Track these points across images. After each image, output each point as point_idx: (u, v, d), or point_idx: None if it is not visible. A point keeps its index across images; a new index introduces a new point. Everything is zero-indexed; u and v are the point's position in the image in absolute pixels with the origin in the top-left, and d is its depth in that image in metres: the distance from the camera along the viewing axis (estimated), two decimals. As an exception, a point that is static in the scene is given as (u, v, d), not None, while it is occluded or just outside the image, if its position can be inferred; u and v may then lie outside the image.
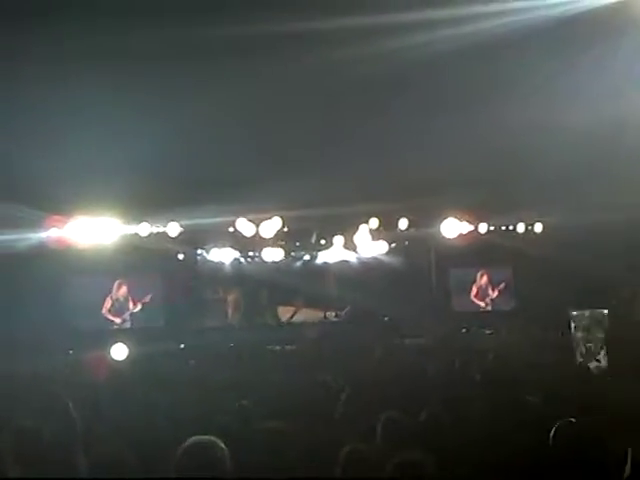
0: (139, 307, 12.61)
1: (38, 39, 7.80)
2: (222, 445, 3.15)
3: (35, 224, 11.58)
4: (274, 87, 8.95)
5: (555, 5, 7.75)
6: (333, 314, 13.56)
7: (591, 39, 8.26)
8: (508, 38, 7.95)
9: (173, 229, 12.93)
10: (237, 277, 14.17)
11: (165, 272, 13.38)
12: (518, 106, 8.99)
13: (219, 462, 3.09)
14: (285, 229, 13.57)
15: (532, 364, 7.10)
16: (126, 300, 12.58)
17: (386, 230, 13.94)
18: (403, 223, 13.83)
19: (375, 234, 13.90)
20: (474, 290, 13.42)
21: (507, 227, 14.20)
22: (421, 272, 14.33)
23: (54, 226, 12.06)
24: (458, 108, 9.48)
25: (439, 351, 9.29)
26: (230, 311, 13.93)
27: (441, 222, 13.55)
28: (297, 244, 14.52)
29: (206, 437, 3.22)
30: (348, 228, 13.82)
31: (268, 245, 13.77)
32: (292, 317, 14.23)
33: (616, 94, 8.52)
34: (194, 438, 3.21)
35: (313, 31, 7.78)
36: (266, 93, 9.06)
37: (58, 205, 11.69)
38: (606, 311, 9.51)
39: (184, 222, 12.80)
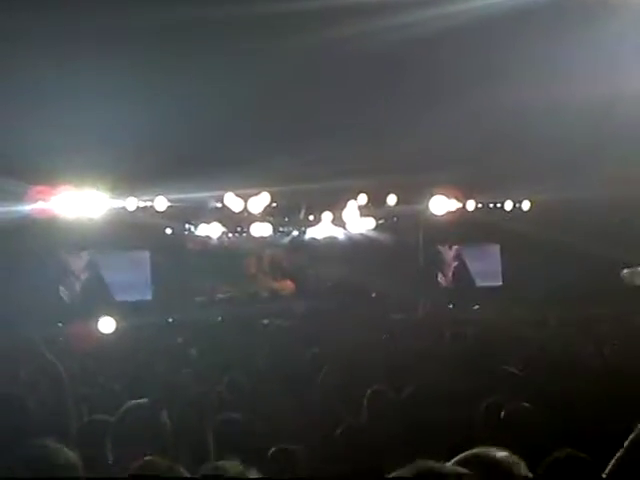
0: (126, 281, 12.60)
1: (30, 9, 7.71)
2: (162, 407, 3.17)
3: (20, 196, 11.52)
4: (264, 65, 8.94)
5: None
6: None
7: (583, 19, 8.29)
8: (499, 18, 7.97)
9: (161, 203, 12.93)
10: (226, 251, 14.20)
11: (153, 246, 13.39)
12: (508, 85, 9.03)
13: (159, 424, 3.09)
14: (273, 205, 13.61)
15: (516, 339, 7.21)
16: (114, 274, 12.58)
17: (374, 206, 14.02)
18: (392, 199, 13.90)
19: (363, 210, 13.97)
20: (461, 266, 13.53)
21: (495, 204, 14.32)
22: (409, 248, 14.43)
23: (39, 198, 11.99)
24: (449, 87, 9.51)
25: (425, 326, 9.40)
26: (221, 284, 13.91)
27: (429, 199, 13.64)
28: (285, 220, 14.58)
29: (144, 400, 3.23)
30: (337, 204, 13.88)
31: (256, 220, 13.81)
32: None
33: (607, 73, 8.57)
34: (132, 402, 3.23)
35: (305, 11, 7.77)
36: (256, 70, 9.05)
37: (44, 177, 11.63)
38: None
39: (172, 196, 12.81)
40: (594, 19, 8.28)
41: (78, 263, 12.42)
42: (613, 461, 1.98)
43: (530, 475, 2.15)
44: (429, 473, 1.65)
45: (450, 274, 13.33)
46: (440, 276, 13.46)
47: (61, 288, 12.31)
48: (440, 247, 13.37)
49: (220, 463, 1.99)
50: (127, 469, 2.61)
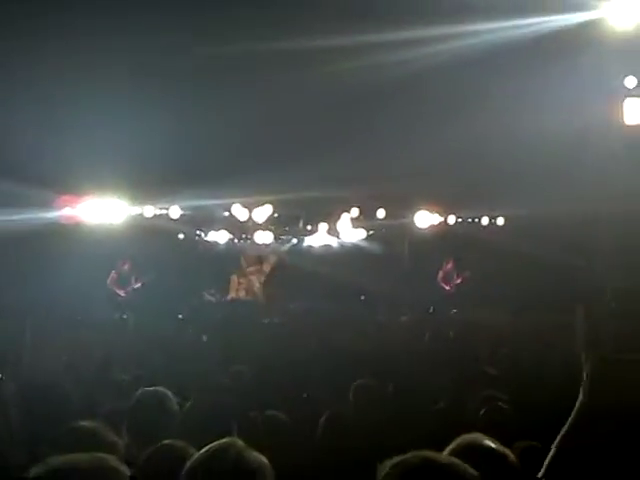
0: (142, 281, 12.52)
1: (58, 21, 7.67)
2: (171, 396, 3.16)
3: (50, 204, 11.56)
4: (270, 95, 9.01)
5: (524, 26, 7.81)
6: None
7: (555, 57, 8.34)
8: (482, 55, 8.02)
9: (175, 211, 12.97)
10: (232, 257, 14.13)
11: (167, 250, 13.36)
12: (486, 114, 9.08)
13: (168, 412, 3.09)
14: (275, 215, 13.61)
15: (490, 341, 7.19)
16: (130, 275, 12.50)
17: (365, 219, 14.03)
18: (381, 213, 13.92)
19: (356, 222, 13.99)
20: (441, 274, 13.50)
21: (473, 219, 14.35)
22: (396, 257, 14.44)
23: (67, 206, 12.05)
24: (433, 116, 9.56)
25: (409, 327, 9.39)
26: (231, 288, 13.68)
27: (415, 213, 13.68)
28: (286, 229, 14.57)
29: (157, 388, 3.23)
30: (332, 216, 13.89)
31: (260, 229, 13.79)
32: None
33: (572, 107, 8.60)
34: (144, 389, 3.22)
35: (307, 49, 7.82)
36: (263, 99, 9.12)
37: (70, 187, 11.70)
38: None
39: (185, 205, 12.86)
40: (565, 59, 8.33)
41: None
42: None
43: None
44: (428, 464, 1.53)
45: (454, 282, 13.29)
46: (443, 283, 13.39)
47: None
48: (446, 258, 13.31)
49: (221, 441, 1.93)
50: (141, 451, 2.57)
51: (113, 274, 12.25)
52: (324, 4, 7.70)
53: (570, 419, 1.64)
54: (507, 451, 1.98)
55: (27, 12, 7.72)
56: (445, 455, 1.69)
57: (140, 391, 3.25)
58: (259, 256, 13.35)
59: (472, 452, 1.88)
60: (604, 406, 1.58)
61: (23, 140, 9.16)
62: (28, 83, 8.37)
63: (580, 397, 1.64)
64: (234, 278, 12.69)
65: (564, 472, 1.58)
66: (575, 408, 1.62)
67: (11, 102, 8.36)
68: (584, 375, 1.64)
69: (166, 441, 2.47)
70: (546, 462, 1.62)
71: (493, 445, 1.99)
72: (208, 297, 12.82)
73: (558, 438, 1.62)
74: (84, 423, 2.65)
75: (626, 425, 1.54)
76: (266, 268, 13.19)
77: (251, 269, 12.60)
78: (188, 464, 1.88)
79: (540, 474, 1.61)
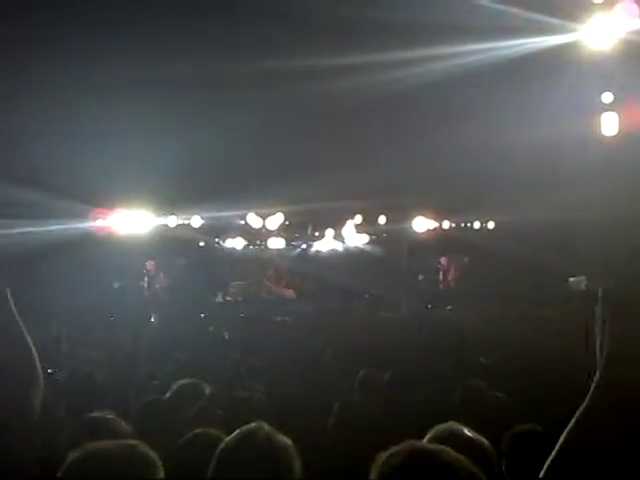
0: (167, 284, 12.58)
1: (82, 36, 7.65)
2: (205, 387, 3.21)
3: (85, 216, 11.69)
4: (280, 111, 9.06)
5: (507, 47, 7.81)
6: None
7: (534, 76, 8.34)
8: (467, 74, 8.03)
9: (196, 221, 13.07)
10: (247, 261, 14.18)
11: (189, 256, 13.45)
12: (475, 129, 9.10)
13: (202, 398, 3.14)
14: (286, 223, 13.66)
15: (481, 334, 7.18)
16: (156, 278, 12.57)
17: (368, 225, 14.07)
18: (382, 219, 13.97)
19: (359, 228, 14.03)
20: (438, 275, 13.49)
21: (465, 224, 14.34)
22: (395, 259, 14.45)
23: (100, 217, 12.18)
24: (429, 131, 9.61)
25: (408, 322, 9.38)
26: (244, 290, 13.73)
27: (412, 219, 13.70)
28: (296, 235, 14.62)
29: (193, 380, 3.28)
30: (337, 223, 13.93)
31: (272, 236, 13.85)
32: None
33: (554, 121, 8.60)
34: (183, 381, 3.27)
35: (310, 68, 7.85)
36: (274, 115, 9.17)
37: (103, 200, 11.82)
38: None
39: (205, 215, 12.95)
40: (547, 78, 8.33)
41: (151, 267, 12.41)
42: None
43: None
44: (421, 453, 1.48)
45: (450, 278, 13.24)
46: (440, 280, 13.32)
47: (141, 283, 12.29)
48: (441, 259, 13.24)
49: (250, 425, 1.89)
50: (178, 436, 2.51)
51: (144, 278, 12.35)
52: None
53: (577, 417, 1.43)
54: (482, 439, 1.98)
55: (65, 31, 7.67)
56: (435, 444, 1.64)
57: (174, 385, 3.24)
58: (270, 261, 13.46)
59: (448, 440, 1.84)
60: (613, 408, 1.37)
61: (62, 160, 9.26)
62: (69, 109, 8.41)
63: (590, 395, 1.43)
64: (250, 283, 12.75)
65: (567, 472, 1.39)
66: (583, 406, 1.42)
67: (53, 129, 8.46)
68: (597, 374, 1.43)
69: (199, 429, 2.39)
70: (548, 462, 1.43)
71: (468, 433, 1.99)
72: (219, 299, 12.85)
73: (562, 437, 1.43)
74: (97, 414, 2.55)
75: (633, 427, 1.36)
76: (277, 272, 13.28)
77: (268, 275, 12.63)
78: (220, 447, 1.86)
79: (541, 474, 1.44)
